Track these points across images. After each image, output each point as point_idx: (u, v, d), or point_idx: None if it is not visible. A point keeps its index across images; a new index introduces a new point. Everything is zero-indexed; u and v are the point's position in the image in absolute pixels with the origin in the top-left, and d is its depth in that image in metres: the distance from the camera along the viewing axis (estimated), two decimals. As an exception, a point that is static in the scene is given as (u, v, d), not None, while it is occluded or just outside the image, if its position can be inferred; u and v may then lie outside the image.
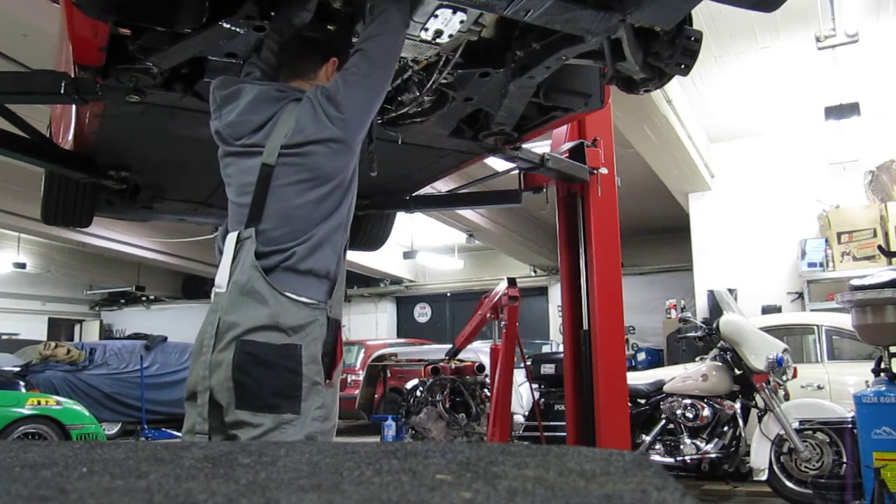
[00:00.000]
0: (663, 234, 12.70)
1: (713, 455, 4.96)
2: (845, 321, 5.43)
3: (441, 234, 12.76)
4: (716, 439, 5.03)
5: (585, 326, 4.21)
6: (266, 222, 2.04)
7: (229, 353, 1.94)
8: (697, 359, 6.27)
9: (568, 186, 4.37)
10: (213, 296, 2.04)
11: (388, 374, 9.10)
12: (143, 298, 17.91)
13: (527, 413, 6.00)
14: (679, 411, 5.16)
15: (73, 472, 0.67)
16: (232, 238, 2.06)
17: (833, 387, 5.78)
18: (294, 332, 1.98)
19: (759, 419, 4.97)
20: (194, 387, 1.99)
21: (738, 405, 5.08)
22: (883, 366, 3.98)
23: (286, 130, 2.04)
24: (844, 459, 4.60)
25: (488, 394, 5.45)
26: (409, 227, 12.12)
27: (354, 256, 11.78)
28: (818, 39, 5.91)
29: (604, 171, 4.26)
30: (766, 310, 8.24)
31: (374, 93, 2.15)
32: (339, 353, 2.12)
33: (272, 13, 2.27)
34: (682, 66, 2.46)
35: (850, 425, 4.55)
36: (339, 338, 2.12)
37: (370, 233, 4.97)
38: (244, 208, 2.07)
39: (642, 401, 5.38)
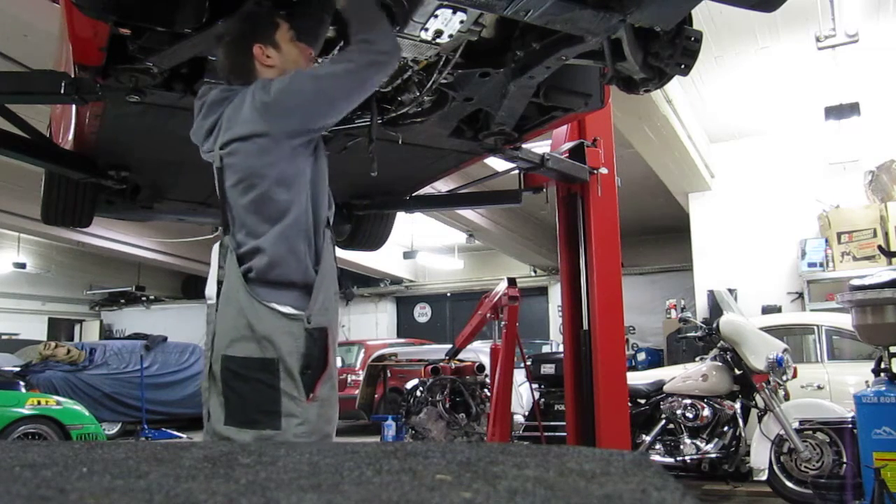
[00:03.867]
0: (663, 234, 12.69)
1: (713, 455, 4.96)
2: (845, 321, 5.42)
3: (441, 234, 12.75)
4: (716, 439, 5.03)
5: (585, 326, 4.21)
6: (235, 228, 2.04)
7: (218, 367, 1.97)
8: (697, 359, 6.26)
9: (568, 186, 4.37)
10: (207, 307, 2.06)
11: (388, 374, 9.10)
12: (143, 298, 17.90)
13: (527, 413, 6.00)
14: (679, 411, 5.16)
15: (73, 472, 0.67)
16: (216, 247, 2.07)
17: (833, 387, 5.78)
18: (269, 343, 1.93)
19: (759, 419, 4.97)
20: (202, 394, 2.06)
21: (738, 405, 5.08)
22: (883, 366, 3.98)
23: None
24: (844, 459, 4.60)
25: (488, 394, 5.45)
26: (409, 227, 12.12)
27: (354, 256, 11.79)
28: (818, 39, 5.91)
29: (604, 171, 4.26)
30: (766, 310, 8.23)
31: (322, 93, 2.00)
32: (327, 362, 2.00)
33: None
34: (682, 66, 2.46)
35: (850, 425, 4.55)
36: (327, 347, 2.01)
37: (370, 233, 4.97)
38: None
39: (642, 401, 5.38)
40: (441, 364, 5.92)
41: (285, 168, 1.99)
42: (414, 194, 4.59)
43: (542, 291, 15.11)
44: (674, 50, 2.41)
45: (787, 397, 5.00)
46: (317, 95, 1.99)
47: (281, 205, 1.99)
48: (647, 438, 5.21)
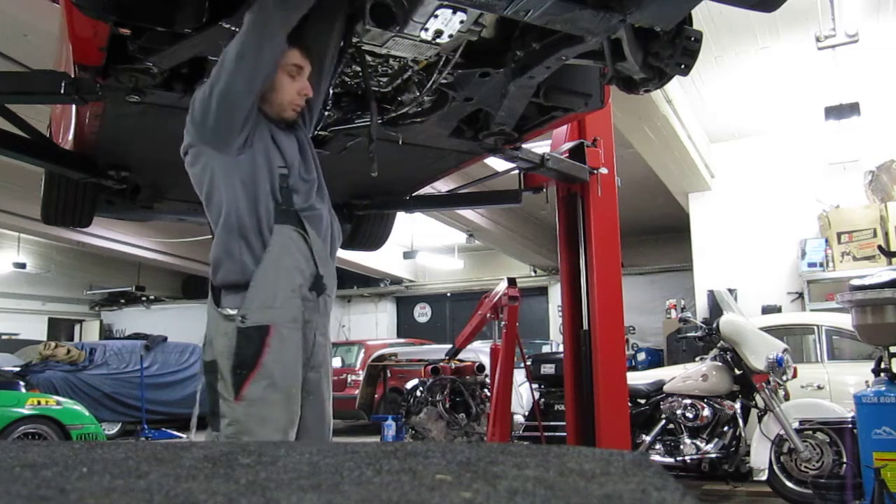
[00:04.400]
0: (663, 234, 12.69)
1: (713, 455, 4.95)
2: (845, 321, 5.42)
3: (441, 234, 12.75)
4: (716, 439, 5.03)
5: (585, 326, 4.21)
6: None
7: None
8: (697, 359, 6.26)
9: (568, 186, 4.37)
10: None
11: (388, 374, 9.10)
12: (143, 298, 17.90)
13: (527, 413, 5.99)
14: (679, 411, 5.16)
15: (73, 472, 0.67)
16: None
17: (833, 387, 5.78)
18: (212, 345, 2.04)
19: (759, 419, 4.97)
20: None
21: (738, 405, 5.08)
22: (883, 366, 3.98)
23: None
24: (844, 459, 4.60)
25: (488, 394, 5.45)
26: (409, 227, 12.12)
27: (355, 256, 11.78)
28: (818, 39, 5.91)
29: (604, 171, 4.26)
30: (766, 310, 8.23)
31: (220, 84, 1.99)
32: (257, 362, 1.97)
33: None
34: (682, 66, 2.46)
35: (850, 425, 4.55)
36: (263, 346, 1.98)
37: (370, 233, 4.96)
38: None
39: (642, 401, 5.38)
40: (441, 364, 5.92)
41: (214, 172, 2.07)
42: (414, 194, 4.58)
43: (542, 291, 15.11)
44: (674, 50, 2.41)
45: (787, 397, 5.00)
46: (210, 98, 2.02)
47: (217, 208, 2.08)
48: (647, 438, 5.21)
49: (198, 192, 2.14)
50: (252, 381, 1.96)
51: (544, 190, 4.50)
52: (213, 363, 2.01)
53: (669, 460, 5.06)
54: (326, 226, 2.21)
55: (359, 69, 2.58)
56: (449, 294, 16.28)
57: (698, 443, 5.05)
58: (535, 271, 14.85)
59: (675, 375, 5.41)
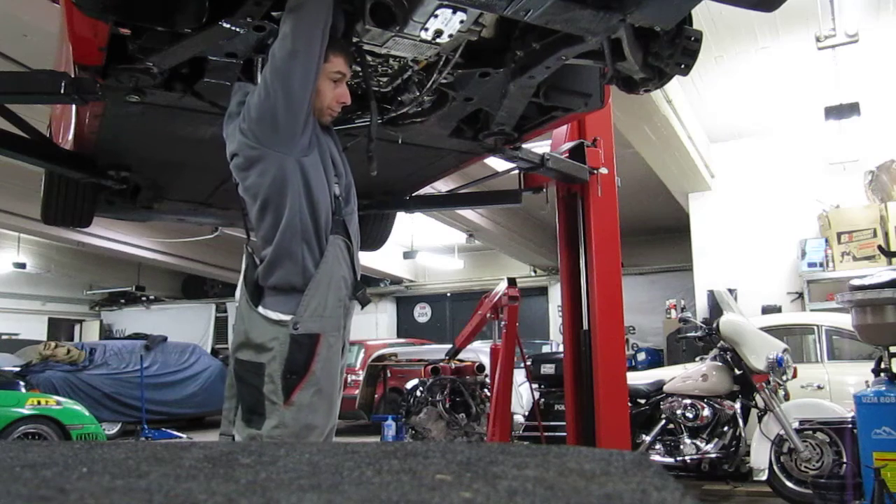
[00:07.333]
0: (663, 234, 12.69)
1: (713, 455, 4.96)
2: (845, 321, 5.42)
3: (441, 234, 12.75)
4: (716, 439, 5.03)
5: (585, 326, 4.21)
6: (254, 234, 2.17)
7: (233, 367, 2.14)
8: (697, 359, 6.26)
9: (568, 186, 4.37)
10: None
11: (388, 374, 9.09)
12: (143, 298, 17.88)
13: (527, 413, 5.99)
14: (679, 411, 5.16)
15: (73, 472, 0.67)
16: (244, 253, 2.21)
17: (833, 387, 5.78)
18: (259, 348, 2.05)
19: (759, 419, 4.97)
20: (225, 391, 2.19)
21: (738, 405, 5.08)
22: (883, 366, 3.98)
23: None
24: (844, 459, 4.60)
25: (488, 394, 5.45)
26: (409, 227, 12.11)
27: (354, 256, 11.77)
28: (818, 39, 5.91)
29: (604, 171, 4.26)
30: (766, 310, 8.23)
31: (276, 85, 2.00)
32: (308, 369, 2.03)
33: (273, 13, 2.26)
34: (682, 66, 2.46)
35: (850, 425, 4.55)
36: (314, 353, 2.04)
37: (370, 233, 4.96)
38: None
39: (642, 401, 5.38)
40: (441, 364, 5.92)
41: (276, 175, 2.05)
42: (414, 194, 4.58)
43: (542, 291, 15.10)
44: (674, 50, 2.41)
45: (787, 397, 5.00)
46: (268, 99, 2.02)
47: (276, 210, 2.06)
48: (647, 438, 5.21)
49: (249, 195, 2.12)
50: (302, 387, 2.02)
51: (544, 190, 4.50)
52: (261, 366, 2.02)
53: (669, 460, 5.06)
54: (355, 223, 2.28)
55: (359, 69, 2.58)
56: (449, 294, 16.27)
57: (698, 443, 5.05)
58: (535, 271, 14.84)
59: (675, 375, 5.41)
